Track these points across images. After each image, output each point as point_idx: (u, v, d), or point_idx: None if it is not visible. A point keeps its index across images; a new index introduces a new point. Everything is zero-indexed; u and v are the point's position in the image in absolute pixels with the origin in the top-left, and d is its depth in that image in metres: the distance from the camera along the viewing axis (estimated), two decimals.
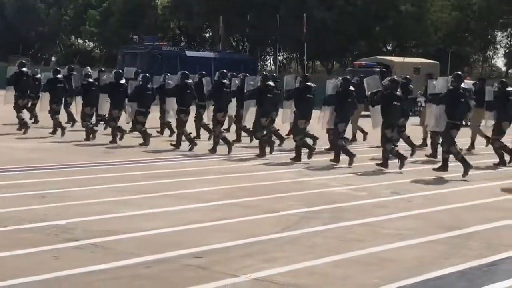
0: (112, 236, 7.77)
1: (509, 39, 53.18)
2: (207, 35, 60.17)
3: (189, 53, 44.54)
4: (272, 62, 58.89)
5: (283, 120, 17.55)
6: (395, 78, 16.65)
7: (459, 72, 15.76)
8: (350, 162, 14.84)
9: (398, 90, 15.00)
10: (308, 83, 16.00)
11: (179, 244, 7.50)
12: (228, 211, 9.51)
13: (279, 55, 54.72)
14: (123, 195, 10.49)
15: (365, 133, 20.25)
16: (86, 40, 68.56)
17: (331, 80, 17.67)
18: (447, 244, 8.03)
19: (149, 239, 7.75)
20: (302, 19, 43.65)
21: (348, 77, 17.36)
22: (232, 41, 57.36)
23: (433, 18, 49.19)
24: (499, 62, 58.31)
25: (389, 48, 51.36)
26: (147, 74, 18.90)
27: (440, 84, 15.49)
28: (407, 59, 40.16)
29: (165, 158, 15.42)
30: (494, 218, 9.64)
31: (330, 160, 15.19)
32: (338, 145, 15.35)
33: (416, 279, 6.48)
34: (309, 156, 15.51)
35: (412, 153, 16.65)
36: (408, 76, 19.17)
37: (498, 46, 55.05)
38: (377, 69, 36.30)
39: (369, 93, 15.48)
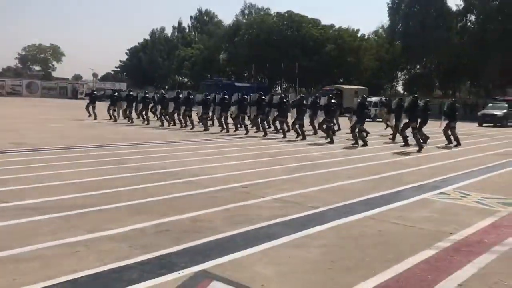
0: (198, 176, 7.77)
1: (405, 76, 52.36)
2: (245, 74, 59.83)
3: (236, 83, 44.33)
4: (279, 88, 58.48)
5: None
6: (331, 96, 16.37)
7: (364, 95, 15.83)
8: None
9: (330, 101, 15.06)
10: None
11: (233, 181, 7.48)
12: (257, 164, 9.44)
13: (283, 85, 54.36)
14: (202, 156, 10.45)
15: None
16: (183, 77, 68.62)
17: (291, 95, 17.69)
18: (373, 182, 7.97)
19: (218, 178, 7.72)
20: (295, 65, 43.36)
21: (303, 95, 16.88)
22: (258, 77, 57.01)
23: (364, 65, 48.57)
24: (399, 88, 57.36)
25: (341, 80, 50.78)
26: (226, 95, 17.75)
27: (356, 101, 14.77)
28: (350, 86, 39.67)
29: (222, 139, 15.23)
30: (398, 168, 9.56)
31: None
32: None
33: (358, 199, 6.44)
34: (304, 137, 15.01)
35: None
36: (364, 96, 16.27)
37: (399, 80, 54.22)
38: (335, 91, 35.81)
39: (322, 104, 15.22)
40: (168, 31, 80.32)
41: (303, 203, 6.10)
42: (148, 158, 9.74)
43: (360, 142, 13.80)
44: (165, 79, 72.53)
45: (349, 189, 7.24)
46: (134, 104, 20.48)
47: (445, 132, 14.61)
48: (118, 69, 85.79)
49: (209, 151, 11.38)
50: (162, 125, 18.83)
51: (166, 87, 67.76)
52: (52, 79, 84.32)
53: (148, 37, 78.17)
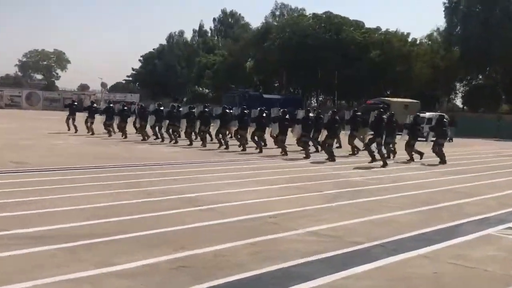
0: (221, 204, 7.85)
1: (464, 87, 51.59)
2: (276, 84, 60.19)
3: (265, 95, 44.69)
4: (315, 101, 58.46)
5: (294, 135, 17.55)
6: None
7: (382, 110, 17.45)
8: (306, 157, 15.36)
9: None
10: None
11: (261, 209, 7.52)
12: (289, 190, 9.46)
13: (319, 97, 54.45)
14: (226, 180, 10.52)
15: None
16: (204, 88, 69.63)
17: (300, 111, 17.89)
18: (425, 214, 7.87)
19: (243, 206, 7.80)
20: (334, 74, 43.43)
21: (308, 108, 18.15)
22: (290, 88, 57.25)
23: (416, 74, 48.15)
24: (458, 102, 56.50)
25: (388, 92, 50.44)
26: (245, 108, 18.74)
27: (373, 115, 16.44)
28: (400, 99, 39.38)
29: (249, 160, 15.35)
30: (455, 198, 9.40)
31: (304, 157, 15.49)
32: (328, 150, 15.44)
33: (408, 234, 6.38)
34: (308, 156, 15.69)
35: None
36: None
37: (457, 92, 53.43)
38: (381, 105, 35.64)
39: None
40: (188, 35, 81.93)
41: (344, 238, 6.08)
42: (164, 181, 9.90)
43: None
44: (183, 89, 73.75)
45: (398, 221, 7.16)
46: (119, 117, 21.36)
47: (433, 150, 15.95)
48: (130, 78, 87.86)
49: (233, 174, 11.47)
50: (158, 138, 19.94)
51: (185, 99, 68.90)
52: (55, 89, 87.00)
53: (164, 42, 79.97)
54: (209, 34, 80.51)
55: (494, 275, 4.94)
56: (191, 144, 18.68)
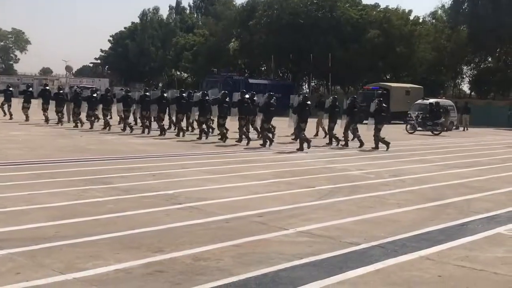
0: (202, 201, 7.85)
1: (472, 71, 52.00)
2: (263, 68, 60.13)
3: (251, 80, 44.55)
4: (306, 86, 58.52)
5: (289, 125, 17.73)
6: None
7: (355, 96, 19.26)
8: (308, 146, 15.82)
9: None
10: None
11: (246, 207, 7.56)
12: (278, 186, 9.51)
13: (311, 82, 54.59)
14: (208, 174, 10.55)
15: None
16: (182, 72, 69.35)
17: (295, 96, 17.82)
18: (431, 210, 7.95)
19: (227, 204, 7.82)
20: (327, 57, 43.54)
21: (307, 95, 17.94)
22: (279, 72, 57.22)
23: (419, 56, 48.46)
24: (465, 87, 56.93)
25: (388, 77, 50.69)
26: (226, 92, 18.80)
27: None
28: (401, 85, 39.62)
29: (233, 152, 15.39)
30: (462, 193, 9.50)
31: (297, 149, 15.68)
32: (301, 137, 15.93)
33: (410, 234, 6.42)
34: (309, 147, 15.92)
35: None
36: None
37: (464, 76, 53.85)
38: (380, 91, 35.88)
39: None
40: (164, 12, 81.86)
41: (339, 238, 6.11)
42: (138, 177, 9.88)
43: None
44: (159, 74, 73.52)
45: (399, 219, 7.22)
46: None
47: (375, 134, 17.15)
48: (99, 61, 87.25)
49: (215, 168, 11.48)
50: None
51: (160, 85, 68.64)
52: (14, 73, 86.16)
53: (137, 20, 79.41)
54: (188, 11, 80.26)
55: (504, 279, 5.01)
56: (164, 133, 18.85)
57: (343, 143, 17.74)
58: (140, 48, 72.21)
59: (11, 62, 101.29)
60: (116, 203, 7.55)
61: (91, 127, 20.46)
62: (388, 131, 19.66)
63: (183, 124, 19.83)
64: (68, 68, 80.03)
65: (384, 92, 35.78)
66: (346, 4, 51.59)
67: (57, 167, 10.72)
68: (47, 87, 24.36)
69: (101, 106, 21.09)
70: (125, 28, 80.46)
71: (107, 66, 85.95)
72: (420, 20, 52.07)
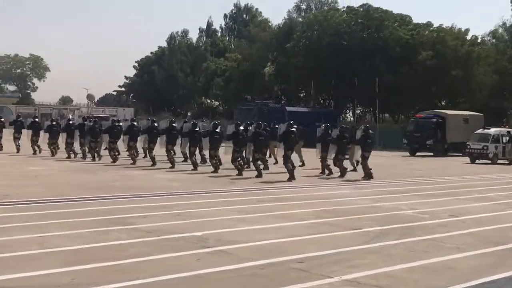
0: (234, 244, 7.80)
1: None
2: (301, 94, 60.31)
3: (288, 108, 44.73)
4: (351, 114, 58.42)
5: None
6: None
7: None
8: (289, 179, 16.63)
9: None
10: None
11: (284, 252, 7.45)
12: (318, 228, 9.39)
13: (356, 109, 54.45)
14: (241, 214, 10.52)
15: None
16: (213, 100, 70.11)
17: (282, 125, 18.71)
18: (495, 256, 7.70)
19: (262, 247, 7.74)
20: (374, 82, 43.41)
21: (291, 122, 18.52)
22: (320, 99, 57.30)
23: (478, 80, 47.82)
24: None
25: (443, 103, 50.12)
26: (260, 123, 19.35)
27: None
28: (458, 112, 39.13)
29: (268, 187, 15.35)
30: None
31: (287, 180, 16.57)
32: (288, 167, 16.90)
33: (472, 283, 6.22)
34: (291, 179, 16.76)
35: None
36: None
37: None
38: (434, 119, 35.50)
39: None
40: (193, 36, 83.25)
41: None
42: (163, 217, 9.91)
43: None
44: (188, 102, 74.45)
45: (458, 266, 7.03)
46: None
47: (361, 163, 18.23)
48: (123, 89, 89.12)
49: (248, 207, 11.45)
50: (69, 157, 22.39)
51: (189, 114, 69.46)
52: (31, 103, 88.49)
53: (165, 44, 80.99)
54: (219, 34, 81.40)
55: None
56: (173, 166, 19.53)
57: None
58: (168, 74, 73.48)
59: (28, 91, 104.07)
60: (139, 246, 7.55)
61: (89, 158, 21.70)
62: (446, 164, 19.37)
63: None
64: (90, 97, 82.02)
65: (439, 120, 35.41)
66: (394, 23, 51.57)
67: (74, 206, 10.83)
68: (37, 119, 25.87)
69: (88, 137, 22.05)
70: (151, 53, 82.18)
71: (131, 94, 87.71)
72: (479, 40, 51.55)
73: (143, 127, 21.40)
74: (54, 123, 24.34)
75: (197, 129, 19.82)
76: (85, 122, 23.25)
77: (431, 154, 34.01)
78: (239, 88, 56.51)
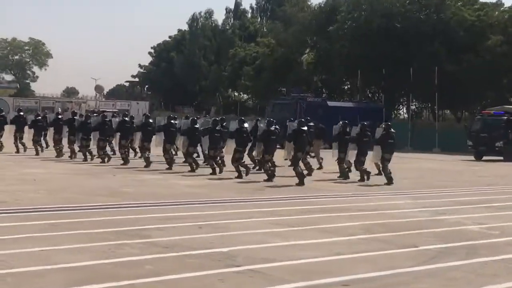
0: (268, 263, 7.77)
1: None
2: (346, 87, 60.05)
3: (330, 103, 44.67)
4: (405, 110, 57.99)
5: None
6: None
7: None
8: (299, 184, 17.07)
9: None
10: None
11: (327, 273, 7.41)
12: (369, 244, 9.33)
13: (411, 105, 53.98)
14: (276, 227, 10.51)
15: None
16: (241, 93, 70.19)
17: (292, 122, 19.28)
18: None
19: (300, 267, 7.70)
20: (433, 72, 43.00)
21: (302, 120, 19.45)
22: (368, 92, 56.98)
23: None
24: None
25: None
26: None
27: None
28: None
29: (309, 196, 15.31)
30: None
31: (296, 184, 17.08)
32: (297, 171, 17.34)
33: None
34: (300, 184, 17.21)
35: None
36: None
37: None
38: (505, 117, 35.01)
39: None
40: (219, 17, 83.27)
41: None
42: (185, 229, 9.94)
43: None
44: (212, 95, 74.61)
45: None
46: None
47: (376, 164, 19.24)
48: (136, 80, 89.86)
49: (286, 219, 11.42)
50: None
51: (213, 109, 69.68)
52: (31, 95, 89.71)
53: (185, 27, 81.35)
54: (249, 15, 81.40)
55: None
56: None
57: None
58: (189, 62, 73.73)
59: (27, 81, 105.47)
60: (156, 263, 7.58)
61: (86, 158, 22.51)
62: None
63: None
64: (99, 89, 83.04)
65: (511, 118, 34.90)
66: (458, 2, 51.05)
67: (81, 215, 10.95)
68: (21, 113, 27.20)
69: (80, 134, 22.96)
70: (170, 37, 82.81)
71: (146, 86, 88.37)
72: None
73: (183, 125, 21.37)
74: (39, 118, 25.39)
75: (197, 126, 20.60)
76: (75, 117, 24.15)
77: (501, 158, 33.54)
78: (272, 79, 56.51)
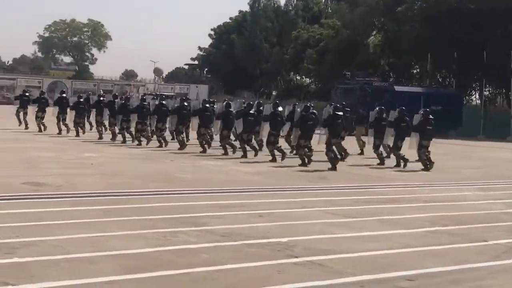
0: (328, 255, 7.74)
1: None
2: (415, 71, 59.20)
3: (397, 88, 44.12)
4: (477, 96, 56.83)
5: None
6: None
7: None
8: (331, 169, 17.41)
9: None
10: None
11: (391, 266, 7.34)
12: (435, 237, 9.19)
13: (484, 90, 52.92)
14: (336, 217, 10.46)
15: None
16: (303, 76, 69.96)
17: (327, 108, 19.77)
18: None
19: (362, 259, 7.64)
20: (508, 55, 42.03)
21: (338, 105, 19.60)
22: (438, 77, 56.06)
23: None
24: None
25: None
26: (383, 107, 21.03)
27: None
28: None
29: (370, 185, 15.22)
30: None
31: (328, 169, 17.40)
32: (329, 156, 17.69)
33: None
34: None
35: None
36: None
37: None
38: None
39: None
40: None
41: None
42: (243, 217, 9.99)
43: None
44: (273, 78, 74.59)
45: None
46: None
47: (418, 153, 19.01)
48: (196, 63, 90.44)
49: (347, 209, 11.36)
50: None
51: (274, 93, 69.68)
52: (89, 77, 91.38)
53: (246, 8, 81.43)
54: None
55: None
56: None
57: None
58: (250, 44, 73.78)
59: (86, 63, 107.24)
60: (212, 252, 7.62)
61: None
62: None
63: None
64: (158, 71, 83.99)
65: None
66: None
67: (136, 201, 11.11)
68: (64, 95, 28.59)
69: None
70: (230, 18, 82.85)
71: (206, 69, 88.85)
72: None
73: (218, 108, 22.08)
74: (81, 99, 26.45)
75: (231, 109, 21.12)
76: (115, 100, 24.96)
77: None
78: (337, 62, 56.07)
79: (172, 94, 53.26)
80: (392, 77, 56.72)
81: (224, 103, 22.10)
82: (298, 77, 72.83)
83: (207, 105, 22.09)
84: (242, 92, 67.33)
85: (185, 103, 22.76)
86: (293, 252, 7.79)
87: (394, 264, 7.50)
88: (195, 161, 18.40)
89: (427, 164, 18.51)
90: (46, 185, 12.37)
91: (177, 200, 11.45)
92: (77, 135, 25.27)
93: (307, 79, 70.76)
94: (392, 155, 19.74)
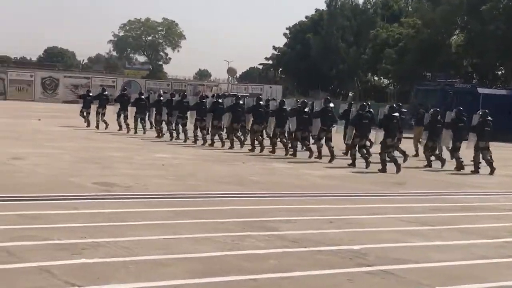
0: (402, 264, 7.66)
1: None
2: (499, 72, 57.94)
3: (480, 90, 43.20)
4: None
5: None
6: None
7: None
8: (381, 170, 17.65)
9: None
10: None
11: (469, 278, 7.23)
12: None
13: None
14: (410, 225, 10.34)
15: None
16: (382, 77, 69.33)
17: (383, 108, 19.86)
18: None
19: (438, 270, 7.53)
20: None
21: (393, 106, 19.81)
22: None
23: None
24: None
25: None
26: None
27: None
28: None
29: (446, 192, 15.01)
30: None
31: (378, 170, 17.67)
32: (388, 158, 17.89)
33: None
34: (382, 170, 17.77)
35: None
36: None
37: None
38: None
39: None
40: None
41: None
42: (314, 223, 9.98)
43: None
44: (350, 79, 74.16)
45: None
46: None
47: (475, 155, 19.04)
48: (270, 62, 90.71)
49: (423, 216, 11.23)
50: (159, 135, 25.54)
51: (350, 94, 69.26)
52: (163, 77, 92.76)
53: (323, 7, 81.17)
54: None
55: None
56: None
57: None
58: (326, 44, 73.51)
59: (160, 63, 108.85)
60: (281, 258, 7.62)
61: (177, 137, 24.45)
62: None
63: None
64: (231, 71, 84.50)
65: None
66: None
67: (206, 204, 11.21)
68: (125, 92, 30.23)
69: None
70: (306, 17, 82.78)
71: (280, 69, 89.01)
72: None
73: (271, 106, 22.27)
74: (142, 96, 27.45)
75: (285, 107, 21.51)
76: (173, 98, 25.52)
77: None
78: (417, 63, 55.37)
79: (247, 94, 53.68)
80: (475, 79, 55.64)
81: (279, 101, 22.82)
82: (376, 78, 72.19)
83: (240, 101, 23.01)
84: (317, 93, 67.12)
85: (240, 101, 23.27)
86: (365, 261, 7.73)
87: (472, 275, 7.39)
88: (266, 164, 18.46)
89: (479, 168, 18.79)
90: (117, 186, 12.66)
91: (248, 203, 11.54)
92: (135, 132, 26.52)
93: (385, 80, 70.06)
94: (451, 158, 19.79)
